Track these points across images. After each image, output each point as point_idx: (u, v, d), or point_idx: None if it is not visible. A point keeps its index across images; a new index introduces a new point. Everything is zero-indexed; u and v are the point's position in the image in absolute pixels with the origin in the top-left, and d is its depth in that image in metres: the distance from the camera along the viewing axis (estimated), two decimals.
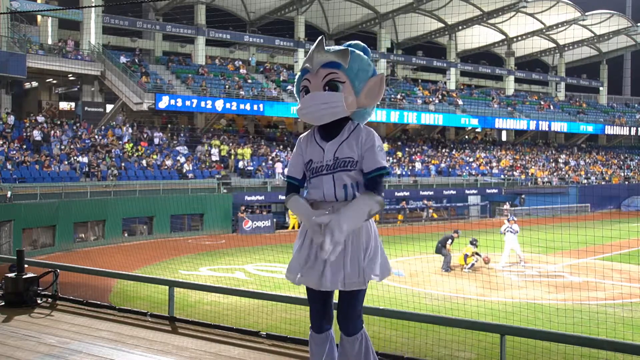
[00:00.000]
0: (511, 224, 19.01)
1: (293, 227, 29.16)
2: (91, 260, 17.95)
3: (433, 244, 18.93)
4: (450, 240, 18.24)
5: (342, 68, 3.20)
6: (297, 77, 3.39)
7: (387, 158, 37.70)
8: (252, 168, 31.50)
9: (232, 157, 31.79)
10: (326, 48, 3.25)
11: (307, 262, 3.27)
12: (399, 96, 40.46)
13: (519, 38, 50.70)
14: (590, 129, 49.57)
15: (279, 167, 31.57)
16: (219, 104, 32.89)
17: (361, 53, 3.32)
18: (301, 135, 3.47)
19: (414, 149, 40.75)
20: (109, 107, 34.02)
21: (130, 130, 31.08)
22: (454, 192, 36.36)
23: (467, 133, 47.26)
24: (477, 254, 18.10)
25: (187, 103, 32.17)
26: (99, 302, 6.69)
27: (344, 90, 3.20)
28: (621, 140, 54.58)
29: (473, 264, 17.97)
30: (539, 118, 46.41)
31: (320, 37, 3.30)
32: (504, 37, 50.63)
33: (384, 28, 44.57)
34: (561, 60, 55.34)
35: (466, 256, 18.03)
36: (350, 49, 3.29)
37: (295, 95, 3.44)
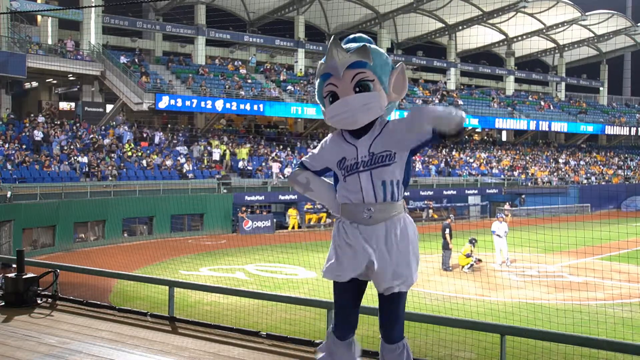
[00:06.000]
0: (500, 220, 19.14)
1: (293, 228, 29.16)
2: (91, 260, 17.94)
3: (433, 244, 18.93)
4: (447, 230, 18.19)
5: (368, 66, 3.09)
6: (316, 84, 3.23)
7: None
8: (252, 168, 31.51)
9: (228, 156, 31.74)
10: (346, 47, 3.13)
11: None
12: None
13: (519, 38, 50.70)
14: (590, 129, 49.56)
15: (275, 167, 31.51)
16: (219, 104, 32.88)
17: (376, 47, 3.20)
18: (330, 134, 3.36)
19: None
20: (109, 107, 34.01)
21: (129, 130, 31.08)
22: (454, 192, 36.36)
23: (467, 133, 47.24)
24: (469, 255, 18.04)
25: (187, 103, 32.15)
26: (99, 302, 6.70)
27: (375, 88, 3.11)
28: (621, 140, 54.58)
29: (472, 265, 17.97)
30: (539, 118, 46.40)
31: (333, 38, 3.16)
32: (504, 37, 50.64)
33: (384, 28, 44.55)
34: (561, 60, 55.35)
35: (468, 255, 18.02)
36: (365, 43, 3.16)
37: (319, 102, 3.27)
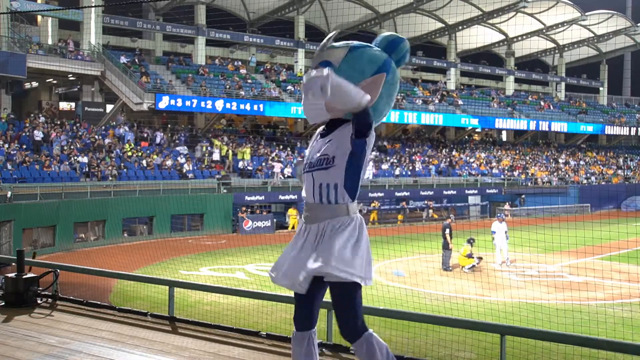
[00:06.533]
0: (500, 220, 19.15)
1: (293, 227, 29.15)
2: (91, 260, 17.95)
3: (433, 244, 18.93)
4: (447, 230, 18.16)
5: (332, 68, 3.09)
6: None
7: (387, 158, 37.77)
8: (252, 168, 31.50)
9: (230, 156, 31.77)
10: (330, 44, 3.14)
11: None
12: (399, 96, 40.44)
13: (519, 38, 50.70)
14: (590, 129, 49.57)
15: (277, 167, 31.54)
16: (219, 104, 32.88)
17: (365, 50, 3.17)
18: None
19: (414, 149, 40.77)
20: (109, 107, 34.02)
21: (129, 130, 31.08)
22: (454, 192, 36.37)
23: (467, 133, 47.27)
24: (470, 256, 18.03)
25: (187, 103, 32.16)
26: (99, 302, 6.69)
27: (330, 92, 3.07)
28: (621, 140, 54.59)
29: (474, 265, 17.96)
30: (539, 118, 46.41)
31: (332, 34, 3.21)
32: (504, 37, 50.63)
33: (384, 28, 44.51)
34: (561, 60, 55.34)
35: (469, 255, 18.00)
36: (352, 45, 3.16)
37: None
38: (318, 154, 3.20)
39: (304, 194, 3.29)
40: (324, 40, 3.19)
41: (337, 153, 3.13)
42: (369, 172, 31.04)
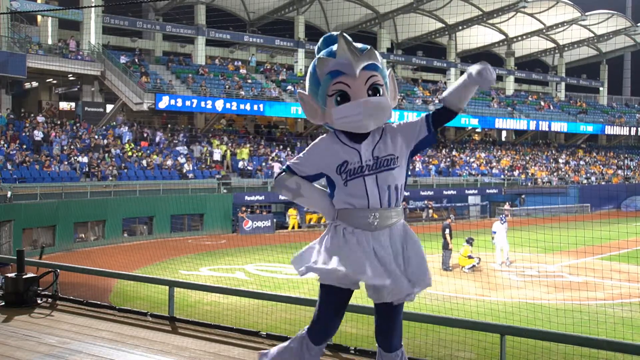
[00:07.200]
0: (501, 222, 19.17)
1: (293, 228, 29.15)
2: (91, 260, 17.95)
3: (433, 244, 18.90)
4: (447, 230, 18.18)
5: (379, 69, 3.00)
6: (321, 80, 3.01)
7: None
8: (251, 168, 31.50)
9: (229, 156, 31.75)
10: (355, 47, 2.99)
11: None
12: (399, 96, 40.40)
13: (519, 38, 50.71)
14: (590, 129, 49.57)
15: (276, 167, 31.50)
16: (219, 104, 32.88)
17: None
18: (321, 137, 3.17)
19: None
20: (109, 107, 34.02)
21: (129, 130, 31.08)
22: (454, 192, 36.36)
23: (467, 133, 47.27)
24: (470, 256, 18.04)
25: (187, 103, 32.16)
26: (99, 302, 6.70)
27: (383, 93, 3.02)
28: (621, 140, 54.60)
29: (474, 265, 17.96)
30: (539, 118, 46.41)
31: (345, 35, 2.95)
32: (504, 37, 50.64)
33: (384, 28, 44.56)
34: (561, 60, 55.35)
35: (469, 257, 18.01)
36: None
37: (319, 101, 3.05)
38: (375, 156, 3.02)
39: (358, 200, 3.02)
40: (350, 42, 2.94)
41: (402, 152, 3.08)
42: None
